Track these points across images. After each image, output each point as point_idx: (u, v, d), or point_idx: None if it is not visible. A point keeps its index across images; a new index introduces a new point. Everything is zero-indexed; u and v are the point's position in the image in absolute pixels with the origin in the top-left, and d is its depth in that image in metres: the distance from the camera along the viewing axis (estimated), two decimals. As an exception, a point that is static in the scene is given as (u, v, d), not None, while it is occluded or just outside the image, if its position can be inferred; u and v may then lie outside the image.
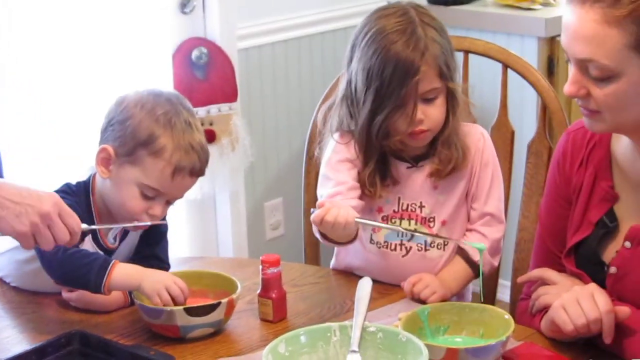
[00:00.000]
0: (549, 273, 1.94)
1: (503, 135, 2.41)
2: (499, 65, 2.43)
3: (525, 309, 1.99)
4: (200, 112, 3.25)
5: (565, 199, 1.98)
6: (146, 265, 2.09)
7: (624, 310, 1.77)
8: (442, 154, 2.14)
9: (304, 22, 3.60)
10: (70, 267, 1.95)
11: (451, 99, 2.12)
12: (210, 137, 3.27)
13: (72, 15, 3.02)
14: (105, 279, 1.93)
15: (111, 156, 2.03)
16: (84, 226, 1.87)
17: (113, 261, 1.95)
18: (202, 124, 3.25)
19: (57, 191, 2.04)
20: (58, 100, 2.95)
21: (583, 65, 1.74)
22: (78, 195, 2.06)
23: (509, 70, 2.42)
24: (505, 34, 3.51)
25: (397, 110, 2.07)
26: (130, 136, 2.02)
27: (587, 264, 1.90)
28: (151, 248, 2.14)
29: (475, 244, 2.03)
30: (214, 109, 3.28)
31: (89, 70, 3.04)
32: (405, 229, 2.08)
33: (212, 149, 3.26)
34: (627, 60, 1.70)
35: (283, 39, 3.55)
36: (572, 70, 1.78)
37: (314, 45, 3.63)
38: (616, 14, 1.69)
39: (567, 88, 1.78)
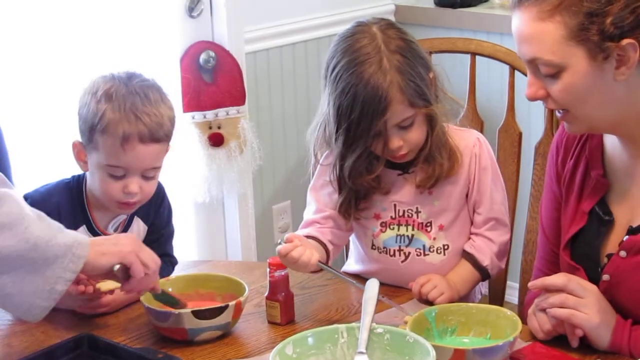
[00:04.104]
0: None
1: (510, 137, 2.41)
2: (506, 67, 2.44)
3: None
4: (208, 115, 3.26)
5: (558, 194, 1.98)
6: None
7: None
8: (425, 168, 2.12)
9: (311, 25, 3.60)
10: None
11: (429, 119, 2.08)
12: (218, 140, 3.28)
13: (78, 17, 3.03)
14: None
15: (81, 149, 2.07)
16: None
17: None
18: (210, 127, 3.27)
19: (47, 187, 2.10)
20: (59, 100, 2.95)
21: (534, 65, 1.79)
22: (71, 190, 2.09)
23: (516, 72, 2.42)
24: (512, 36, 3.50)
25: (366, 151, 2.06)
26: (84, 124, 2.04)
27: (584, 259, 1.89)
28: (163, 247, 2.16)
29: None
30: (222, 112, 3.28)
31: (95, 72, 3.03)
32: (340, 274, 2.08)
33: (220, 153, 3.29)
34: (569, 51, 1.73)
35: (290, 42, 3.56)
36: (528, 74, 1.82)
37: (321, 49, 3.63)
38: (547, 8, 1.73)
39: (526, 92, 1.82)
